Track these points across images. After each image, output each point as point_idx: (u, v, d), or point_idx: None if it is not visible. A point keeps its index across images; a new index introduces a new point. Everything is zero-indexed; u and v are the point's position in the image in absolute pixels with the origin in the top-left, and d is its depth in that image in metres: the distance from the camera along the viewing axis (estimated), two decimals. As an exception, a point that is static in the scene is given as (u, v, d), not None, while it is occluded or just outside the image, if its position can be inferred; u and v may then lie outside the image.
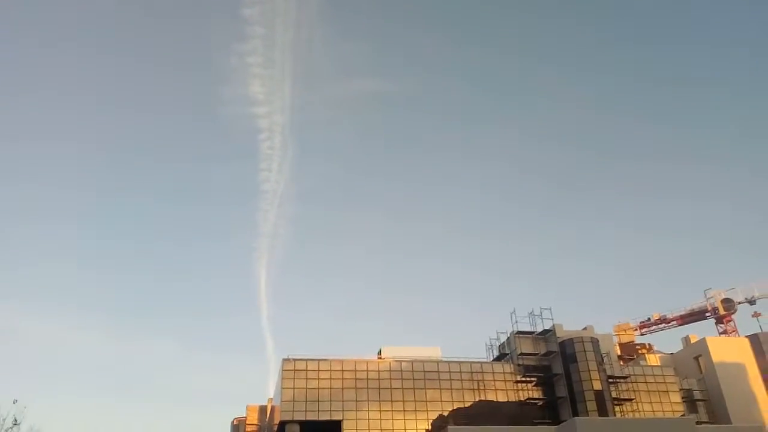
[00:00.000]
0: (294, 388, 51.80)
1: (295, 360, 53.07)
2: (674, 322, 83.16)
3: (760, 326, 71.30)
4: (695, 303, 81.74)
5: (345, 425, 50.76)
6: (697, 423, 50.95)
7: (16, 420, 27.12)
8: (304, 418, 50.75)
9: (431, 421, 52.07)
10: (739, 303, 77.93)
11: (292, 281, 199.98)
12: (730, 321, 77.67)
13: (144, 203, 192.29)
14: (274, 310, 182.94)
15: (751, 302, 77.72)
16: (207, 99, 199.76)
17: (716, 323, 78.58)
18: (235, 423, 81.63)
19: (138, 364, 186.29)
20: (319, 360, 53.39)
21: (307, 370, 52.66)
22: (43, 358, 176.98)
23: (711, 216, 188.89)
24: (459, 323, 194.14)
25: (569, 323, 58.41)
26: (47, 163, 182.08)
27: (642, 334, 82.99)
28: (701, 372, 61.97)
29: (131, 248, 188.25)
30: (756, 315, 75.13)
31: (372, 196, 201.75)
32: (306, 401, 51.30)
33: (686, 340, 67.32)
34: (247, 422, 79.92)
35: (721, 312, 77.31)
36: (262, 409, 78.71)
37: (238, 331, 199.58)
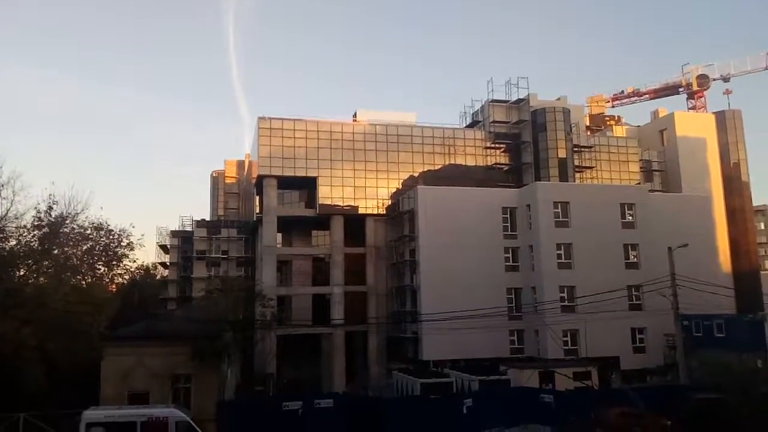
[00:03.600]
0: (270, 145, 53.11)
1: (270, 119, 53.62)
2: (647, 96, 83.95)
3: (729, 104, 72.75)
4: (670, 78, 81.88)
5: (320, 181, 53.34)
6: (650, 191, 54.48)
7: (-5, 162, 27.72)
8: (281, 174, 53.00)
9: (402, 181, 54.88)
10: (714, 80, 78.13)
11: (264, 36, 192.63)
12: (701, 97, 78.58)
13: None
14: (245, 67, 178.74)
15: (726, 79, 77.95)
16: None
17: (687, 99, 79.55)
18: (214, 176, 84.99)
19: (113, 114, 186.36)
20: (294, 120, 54.02)
21: (282, 128, 53.51)
22: (18, 107, 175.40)
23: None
24: (436, 92, 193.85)
25: (544, 93, 58.91)
26: None
27: (614, 107, 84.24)
28: (664, 145, 64.47)
29: (96, 18, 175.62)
30: (727, 92, 76.16)
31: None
32: (282, 158, 53.04)
33: (654, 113, 68.79)
34: (225, 175, 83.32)
35: (695, 87, 77.77)
36: (240, 164, 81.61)
37: (207, 87, 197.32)
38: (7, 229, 29.31)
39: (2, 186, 28.15)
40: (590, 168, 58.60)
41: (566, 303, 45.18)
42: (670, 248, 34.78)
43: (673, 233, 43.21)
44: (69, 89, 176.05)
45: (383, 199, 54.59)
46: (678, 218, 49.75)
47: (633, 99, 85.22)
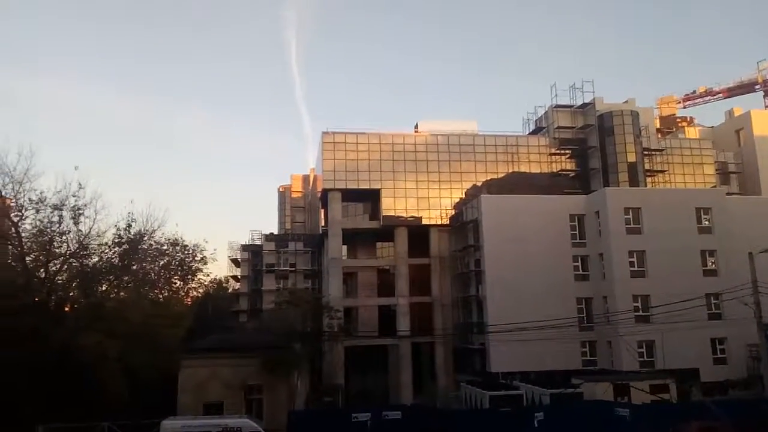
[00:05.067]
0: (335, 159, 53.99)
1: (334, 133, 54.51)
2: (720, 95, 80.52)
3: (811, 100, 68.81)
4: (745, 75, 78.16)
5: (383, 193, 53.76)
6: (728, 194, 52.00)
7: (80, 185, 29.38)
8: (345, 187, 53.76)
9: (465, 190, 54.57)
10: (794, 75, 74.23)
11: (324, 52, 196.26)
12: (780, 94, 74.72)
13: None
14: (306, 83, 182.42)
15: (807, 74, 73.91)
16: None
17: (765, 96, 75.81)
18: (281, 190, 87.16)
19: (176, 133, 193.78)
20: (357, 134, 54.74)
21: (345, 142, 54.32)
22: (90, 129, 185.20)
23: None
24: (497, 98, 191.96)
25: (611, 97, 57.40)
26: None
27: (685, 107, 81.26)
28: (740, 146, 61.53)
29: (153, 34, 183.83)
30: (809, 88, 72.11)
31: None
32: (346, 171, 53.80)
33: (729, 113, 65.67)
34: (292, 190, 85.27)
35: (772, 84, 74.08)
36: (305, 179, 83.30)
37: (270, 104, 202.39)
38: (90, 246, 30.97)
39: (85, 206, 29.79)
40: (662, 172, 56.54)
41: (640, 313, 43.57)
42: (750, 253, 33.00)
43: (754, 238, 40.94)
44: (145, 107, 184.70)
45: (446, 210, 54.42)
46: (758, 222, 47.07)
47: (706, 99, 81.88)
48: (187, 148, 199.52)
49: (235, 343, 35.15)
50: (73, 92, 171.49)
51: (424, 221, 54.26)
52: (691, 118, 70.15)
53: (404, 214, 54.03)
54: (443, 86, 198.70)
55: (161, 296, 35.58)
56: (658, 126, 63.05)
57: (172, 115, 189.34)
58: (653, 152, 56.53)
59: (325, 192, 54.20)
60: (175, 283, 37.16)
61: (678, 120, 69.54)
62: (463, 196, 54.33)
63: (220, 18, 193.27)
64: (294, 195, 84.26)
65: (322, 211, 58.07)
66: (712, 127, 66.29)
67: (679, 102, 79.80)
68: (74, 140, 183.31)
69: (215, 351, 32.36)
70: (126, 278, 32.45)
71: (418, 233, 54.17)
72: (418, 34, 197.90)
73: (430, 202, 54.42)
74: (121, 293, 32.72)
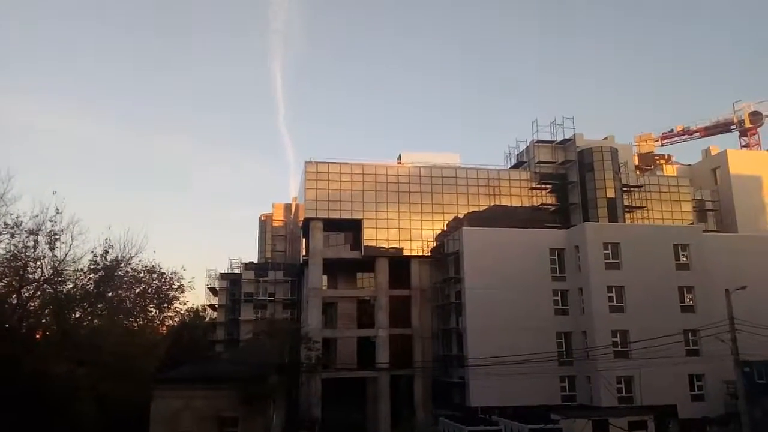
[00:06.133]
0: (317, 188, 54.02)
1: (317, 163, 54.64)
2: (697, 134, 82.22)
3: (784, 141, 70.54)
4: (721, 115, 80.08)
5: (365, 223, 53.77)
6: (705, 231, 52.75)
7: (57, 209, 28.91)
8: (327, 216, 53.71)
9: (447, 222, 54.77)
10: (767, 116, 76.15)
11: (307, 84, 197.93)
12: (755, 134, 76.64)
13: (145, 6, 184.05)
14: (291, 113, 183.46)
15: (781, 116, 75.90)
16: None
17: (740, 136, 77.67)
18: (262, 219, 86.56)
19: (159, 161, 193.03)
20: (340, 164, 54.92)
21: (329, 172, 54.45)
22: (69, 155, 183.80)
23: (748, 26, 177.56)
24: (480, 132, 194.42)
25: (591, 133, 58.36)
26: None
27: (663, 145, 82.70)
28: (717, 184, 62.69)
29: (135, 43, 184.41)
30: (783, 129, 73.97)
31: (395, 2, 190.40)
32: (328, 201, 53.81)
33: (706, 152, 67.14)
34: (273, 218, 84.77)
35: (747, 125, 75.94)
36: (287, 207, 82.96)
37: (254, 132, 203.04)
38: (65, 272, 30.35)
39: (62, 231, 29.25)
40: (641, 208, 57.36)
41: (619, 348, 43.67)
42: (727, 290, 33.38)
43: (731, 275, 41.58)
44: (125, 134, 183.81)
45: (428, 241, 54.50)
46: (735, 259, 47.77)
47: (683, 137, 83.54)
48: (168, 175, 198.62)
49: (210, 373, 34.37)
50: (55, 117, 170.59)
51: (406, 252, 54.25)
52: (669, 155, 71.47)
53: (386, 245, 54.00)
54: (426, 119, 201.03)
55: (136, 324, 34.86)
56: (636, 163, 64.13)
57: (154, 141, 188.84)
58: (632, 188, 57.39)
59: (307, 221, 54.05)
60: (151, 312, 36.45)
61: (656, 157, 70.79)
62: (445, 228, 54.52)
63: (204, 45, 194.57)
64: (275, 224, 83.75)
65: (304, 240, 57.82)
66: (690, 165, 67.59)
67: (657, 140, 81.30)
68: (53, 165, 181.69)
69: (189, 381, 31.60)
70: (100, 305, 31.77)
71: (400, 264, 54.09)
72: (402, 67, 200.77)
73: (412, 233, 54.50)
74: (95, 321, 32.02)
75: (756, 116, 76.05)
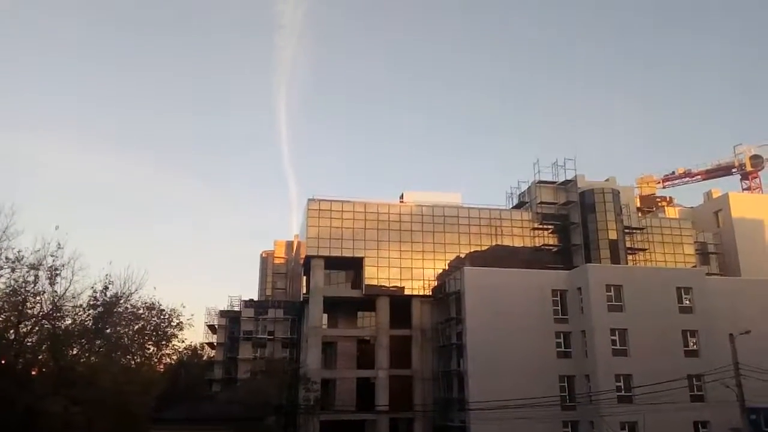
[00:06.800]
0: (319, 226, 54.04)
1: (320, 200, 54.82)
2: (698, 177, 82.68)
3: (786, 184, 70.81)
4: (723, 158, 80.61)
5: (366, 262, 53.60)
6: (708, 274, 52.52)
7: (59, 245, 28.86)
8: (328, 254, 53.58)
9: (448, 262, 54.59)
10: (768, 160, 76.66)
11: (311, 122, 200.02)
12: (756, 178, 77.02)
13: (154, 36, 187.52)
14: (294, 151, 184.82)
15: (781, 160, 76.40)
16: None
17: (741, 179, 78.03)
18: (264, 256, 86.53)
19: (164, 198, 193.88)
20: (342, 201, 55.10)
21: (331, 210, 54.57)
22: (77, 190, 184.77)
23: (748, 69, 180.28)
24: (481, 174, 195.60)
25: (592, 174, 58.63)
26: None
27: (665, 188, 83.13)
28: (719, 227, 62.66)
29: (140, 82, 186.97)
30: (784, 173, 74.35)
31: (401, 27, 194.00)
32: (330, 239, 53.77)
33: (708, 194, 67.26)
34: (275, 255, 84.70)
35: (748, 168, 76.38)
36: (289, 245, 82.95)
37: (257, 169, 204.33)
38: (64, 308, 30.12)
39: (63, 266, 29.12)
40: (643, 250, 57.22)
41: (623, 393, 42.99)
42: (731, 335, 33.08)
43: (734, 319, 41.28)
44: (127, 173, 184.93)
45: (429, 281, 54.24)
46: (739, 303, 47.47)
47: (684, 180, 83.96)
48: (171, 211, 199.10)
49: (207, 414, 33.96)
50: (59, 152, 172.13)
51: (407, 291, 53.94)
52: (671, 198, 71.79)
53: (387, 284, 53.73)
54: (429, 158, 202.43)
55: (133, 362, 34.39)
56: (638, 205, 64.28)
57: (156, 177, 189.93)
58: (634, 230, 57.35)
59: (308, 258, 53.91)
60: (149, 349, 35.94)
61: (658, 199, 70.99)
62: (446, 267, 54.31)
63: (209, 82, 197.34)
64: (277, 261, 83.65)
65: (304, 278, 57.61)
66: (692, 207, 67.67)
67: (659, 182, 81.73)
68: (57, 199, 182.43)
69: (186, 422, 31.20)
70: (98, 342, 31.41)
71: (401, 303, 53.72)
72: (406, 107, 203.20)
73: (413, 272, 54.31)
74: (92, 358, 31.60)
75: (757, 160, 76.56)
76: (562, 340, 47.20)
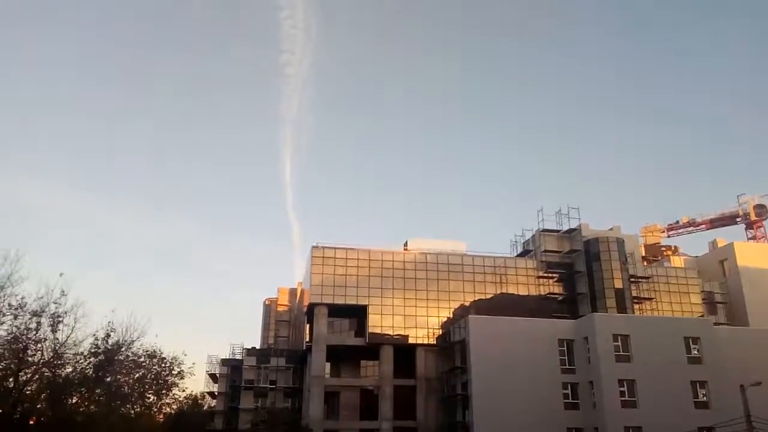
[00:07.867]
0: (323, 273, 53.87)
1: (324, 248, 54.82)
2: (703, 226, 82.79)
3: (791, 233, 70.70)
4: (726, 208, 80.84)
5: (370, 310, 53.19)
6: (715, 324, 51.92)
7: (63, 291, 28.80)
8: (332, 302, 53.25)
9: (453, 310, 54.14)
10: (772, 209, 76.77)
11: (317, 171, 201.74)
12: (760, 227, 77.04)
13: (158, 92, 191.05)
14: (298, 199, 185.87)
15: (786, 209, 76.53)
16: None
17: (746, 229, 78.07)
18: (267, 303, 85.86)
19: (168, 245, 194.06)
20: (347, 249, 55.08)
21: (335, 257, 54.50)
22: (82, 238, 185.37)
23: (752, 121, 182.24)
24: (485, 223, 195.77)
25: (596, 223, 58.75)
26: (59, 49, 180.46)
27: (669, 236, 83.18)
28: (725, 276, 62.30)
29: (147, 131, 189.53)
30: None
31: (404, 78, 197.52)
32: (334, 286, 53.54)
33: (713, 244, 67.13)
34: (278, 303, 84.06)
35: (752, 218, 76.51)
36: (292, 292, 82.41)
37: (261, 216, 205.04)
38: (65, 356, 29.85)
39: (65, 313, 29.00)
40: (649, 299, 56.74)
41: (633, 446, 41.93)
42: (742, 386, 32.47)
43: (745, 369, 40.58)
44: (130, 220, 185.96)
45: (434, 329, 53.70)
46: (747, 353, 46.71)
47: (689, 229, 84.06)
48: (174, 258, 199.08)
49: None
50: (66, 199, 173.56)
51: (411, 340, 53.34)
52: (676, 247, 71.61)
53: (391, 332, 53.19)
54: (433, 207, 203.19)
55: (133, 411, 33.85)
56: (643, 254, 64.11)
57: (159, 224, 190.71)
58: (639, 279, 57.01)
59: (312, 306, 53.56)
60: (149, 398, 35.43)
61: (663, 248, 70.84)
62: (451, 315, 53.85)
63: (216, 131, 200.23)
64: (280, 308, 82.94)
65: (308, 325, 57.09)
66: (696, 256, 67.42)
67: (663, 231, 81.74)
68: (61, 245, 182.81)
69: (185, 474, 30.41)
70: (98, 391, 30.99)
71: (405, 352, 53.03)
72: (410, 157, 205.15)
73: (418, 320, 53.82)
74: (92, 407, 31.13)
75: (761, 209, 76.73)
76: (569, 391, 46.33)
